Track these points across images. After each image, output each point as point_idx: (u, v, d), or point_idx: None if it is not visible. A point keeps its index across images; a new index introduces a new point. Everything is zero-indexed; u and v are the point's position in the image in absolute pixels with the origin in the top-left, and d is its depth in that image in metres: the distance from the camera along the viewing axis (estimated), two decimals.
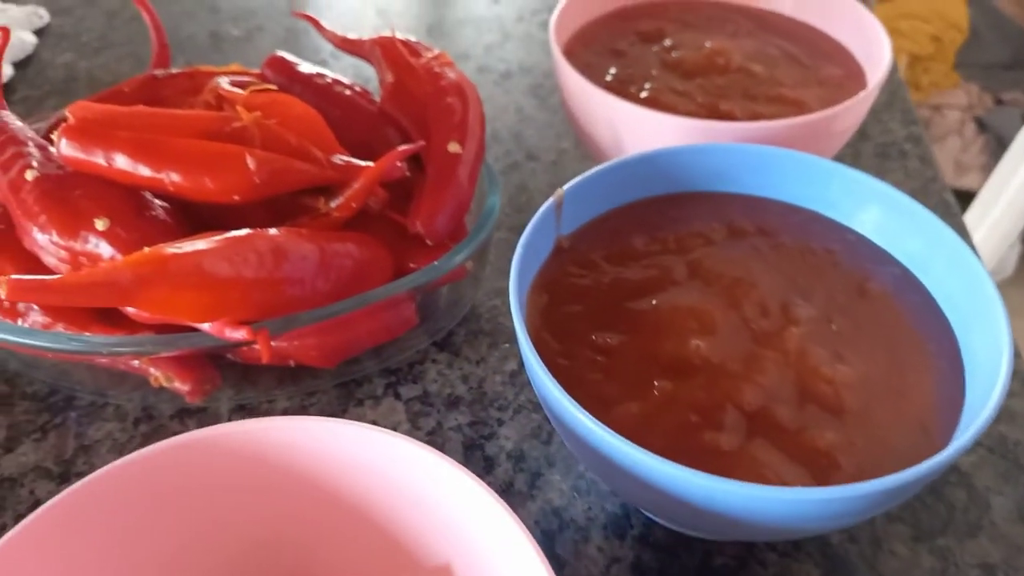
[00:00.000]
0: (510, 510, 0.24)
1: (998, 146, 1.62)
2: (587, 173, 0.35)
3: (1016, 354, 0.41)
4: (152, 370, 0.37)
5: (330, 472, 0.27)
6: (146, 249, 0.30)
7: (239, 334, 0.32)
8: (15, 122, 0.39)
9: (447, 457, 0.26)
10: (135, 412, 0.40)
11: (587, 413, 0.26)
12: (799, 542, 0.34)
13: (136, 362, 0.37)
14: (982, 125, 1.73)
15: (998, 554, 0.34)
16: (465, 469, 0.25)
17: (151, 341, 0.34)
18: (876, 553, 0.34)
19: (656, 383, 0.30)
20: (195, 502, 0.27)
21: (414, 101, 0.41)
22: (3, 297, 0.28)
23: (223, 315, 0.32)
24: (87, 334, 0.34)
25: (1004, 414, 0.39)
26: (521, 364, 0.42)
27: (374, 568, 0.29)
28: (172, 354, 0.34)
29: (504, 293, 0.46)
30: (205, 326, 0.33)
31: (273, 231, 0.33)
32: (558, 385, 0.27)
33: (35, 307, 0.35)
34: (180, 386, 0.37)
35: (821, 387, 0.29)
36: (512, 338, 0.43)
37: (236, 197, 0.34)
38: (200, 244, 0.31)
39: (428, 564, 0.28)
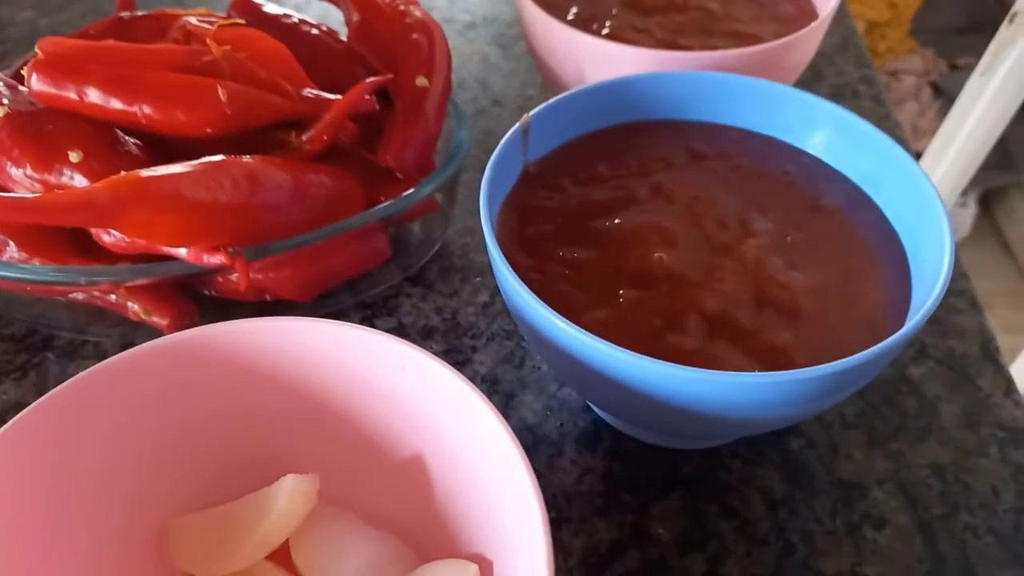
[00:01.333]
0: (483, 395, 0.25)
1: None
2: (552, 100, 0.36)
3: (965, 275, 0.43)
4: (131, 305, 0.38)
5: (304, 369, 0.28)
6: (123, 173, 0.31)
7: (216, 259, 0.33)
8: None
9: (418, 347, 0.27)
10: (114, 349, 0.40)
11: (559, 315, 0.27)
12: (761, 449, 0.36)
13: (114, 297, 0.38)
14: (938, 90, 1.77)
15: (947, 456, 0.36)
16: (437, 358, 0.26)
17: (128, 269, 0.34)
18: (834, 458, 0.36)
19: (622, 292, 0.31)
20: (177, 401, 0.28)
21: (380, 39, 0.42)
22: None
23: (200, 240, 0.33)
24: (66, 265, 0.34)
25: (952, 329, 0.41)
26: (493, 295, 0.43)
27: (349, 461, 0.30)
28: (149, 281, 0.35)
29: (474, 232, 0.47)
30: (182, 252, 0.33)
31: (247, 158, 0.34)
32: (530, 292, 0.28)
33: (12, 243, 0.36)
34: (158, 320, 0.38)
35: (777, 292, 0.31)
36: (483, 272, 0.44)
37: (208, 129, 0.35)
38: (177, 168, 0.31)
39: (399, 457, 0.29)
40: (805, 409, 0.29)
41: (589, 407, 0.38)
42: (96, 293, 0.39)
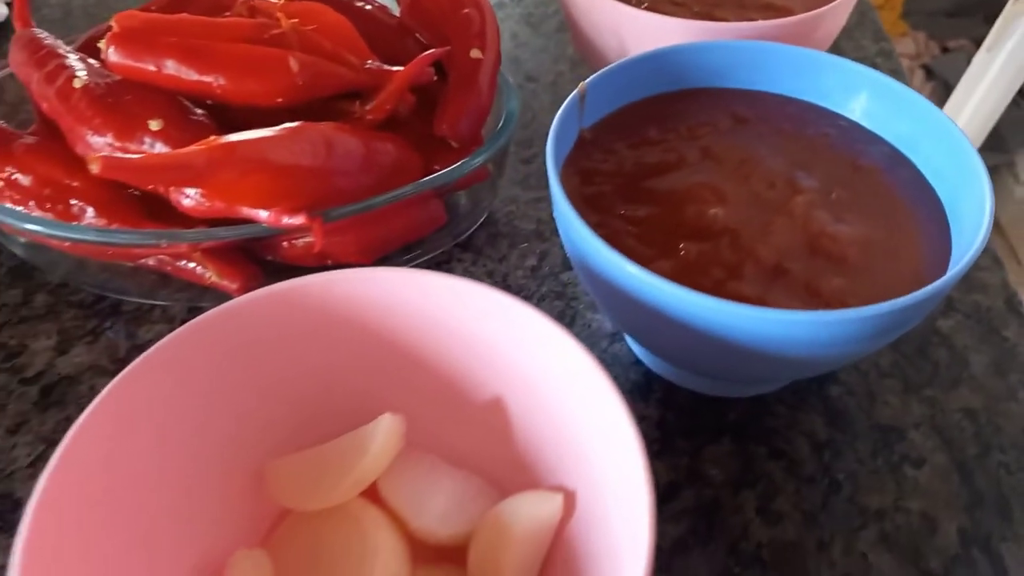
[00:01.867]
0: (569, 333, 0.27)
1: (945, 92, 1.69)
2: (606, 69, 0.38)
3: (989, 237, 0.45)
4: (199, 270, 0.40)
5: (391, 319, 0.30)
6: (213, 138, 0.32)
7: (296, 220, 0.35)
8: (50, 38, 0.41)
9: (505, 292, 0.29)
10: (181, 313, 0.42)
11: (632, 262, 0.29)
12: (804, 396, 0.38)
13: (184, 263, 0.40)
14: (930, 72, 1.80)
15: (978, 401, 0.38)
16: (523, 302, 0.28)
17: (208, 232, 0.36)
18: (872, 404, 0.38)
19: (682, 245, 0.33)
20: (274, 348, 0.30)
21: (431, 14, 0.44)
22: (96, 172, 0.30)
23: (280, 202, 0.34)
24: (151, 229, 0.36)
25: (977, 285, 0.43)
26: (541, 259, 0.45)
27: (431, 407, 0.32)
28: (223, 244, 0.37)
29: (518, 200, 0.49)
30: (263, 214, 0.35)
31: (322, 125, 0.35)
32: (602, 242, 0.30)
33: (91, 209, 0.37)
34: (228, 284, 0.39)
35: (826, 244, 0.33)
36: (529, 238, 0.46)
37: (279, 99, 0.37)
38: (262, 133, 0.33)
39: (479, 400, 0.31)
40: (855, 349, 0.31)
41: (639, 361, 0.40)
42: (165, 259, 0.40)
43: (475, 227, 0.46)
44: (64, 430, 0.24)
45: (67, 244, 0.38)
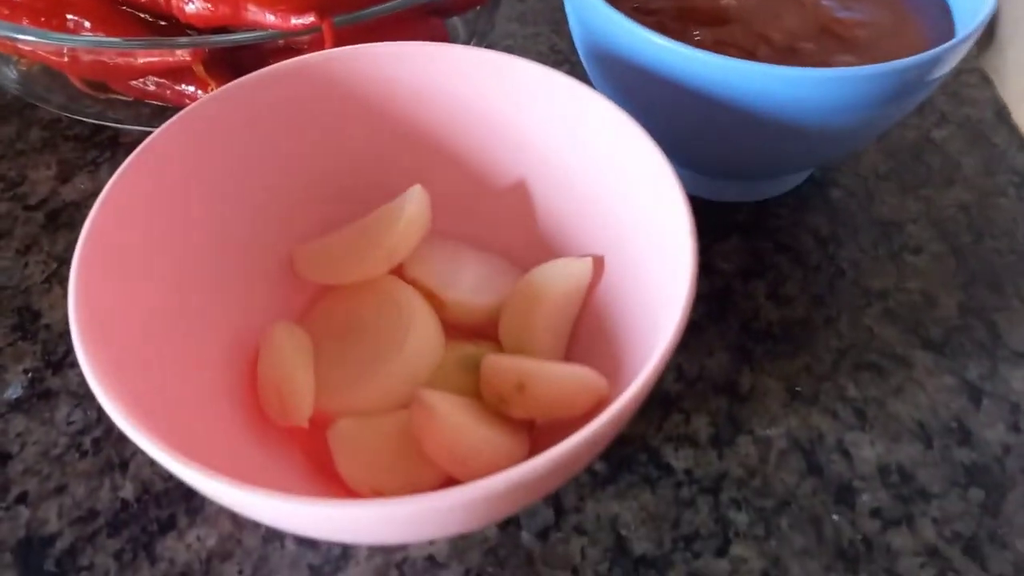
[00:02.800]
0: (600, 94, 0.28)
1: None
2: None
3: (975, 56, 0.46)
4: (200, 93, 0.39)
5: (415, 97, 0.30)
6: None
7: (306, 19, 0.34)
8: None
9: (539, 63, 0.29)
10: None
11: (659, 34, 0.30)
12: (805, 199, 0.39)
13: (184, 86, 0.39)
14: None
15: (970, 197, 0.40)
16: (558, 71, 0.29)
17: (209, 39, 0.35)
18: (871, 202, 0.40)
19: (696, 32, 0.33)
20: (298, 125, 0.30)
21: None
22: None
23: (287, 1, 0.34)
24: (155, 37, 0.35)
25: (968, 100, 0.45)
26: None
27: (455, 190, 0.32)
28: (234, 49, 0.36)
29: (515, 35, 0.48)
30: (270, 17, 0.34)
31: None
32: (628, 18, 0.30)
33: (87, 23, 0.36)
34: None
35: (835, 27, 0.34)
36: None
37: None
38: None
39: (502, 183, 0.32)
40: (864, 117, 0.32)
41: None
42: (164, 82, 0.40)
43: None
44: (75, 248, 0.24)
45: (64, 61, 0.37)
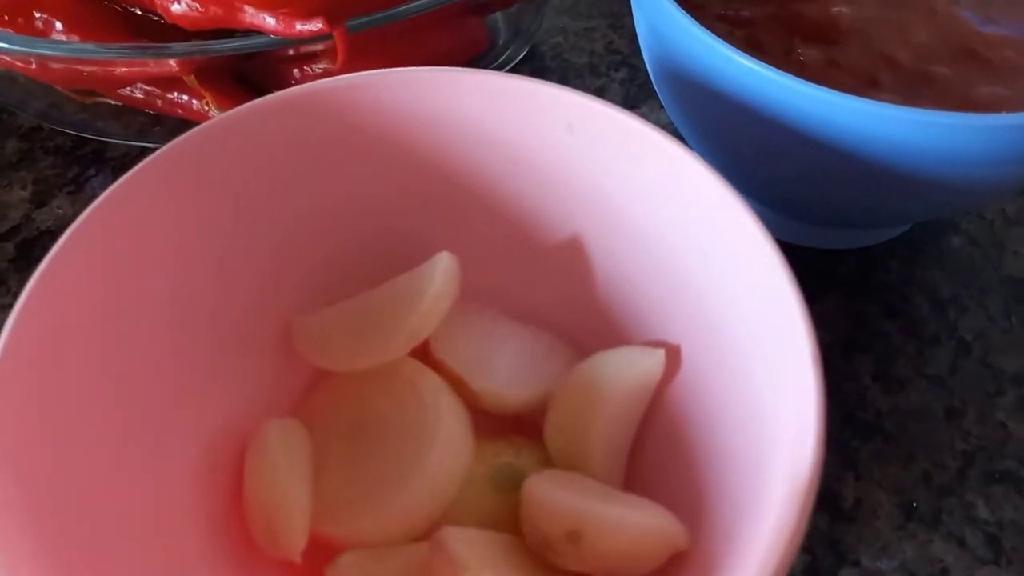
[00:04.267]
0: (687, 148, 0.21)
1: None
2: None
3: None
4: (194, 103, 0.33)
5: (442, 136, 0.24)
6: None
7: (312, 26, 0.28)
8: None
9: (599, 99, 0.22)
10: None
11: (761, 62, 0.23)
12: (919, 248, 0.32)
13: (176, 95, 0.33)
14: None
15: None
16: (625, 110, 0.22)
17: (201, 47, 0.29)
18: (1000, 255, 0.32)
19: (800, 50, 0.26)
20: (301, 168, 0.24)
21: None
22: None
23: (291, 3, 0.28)
24: (137, 44, 0.29)
25: None
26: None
27: (490, 250, 0.26)
28: (229, 59, 0.30)
29: (566, 31, 0.42)
30: (271, 21, 0.28)
31: None
32: (717, 37, 0.23)
33: (58, 23, 0.30)
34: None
35: (978, 45, 0.27)
36: (582, 73, 0.39)
37: None
38: None
39: (551, 241, 0.25)
40: (1011, 172, 0.25)
41: None
42: (154, 90, 0.34)
43: (517, 60, 0.39)
44: None
45: (32, 68, 0.31)
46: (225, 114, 0.22)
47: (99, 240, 0.21)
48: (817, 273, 0.32)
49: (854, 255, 0.32)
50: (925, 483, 0.26)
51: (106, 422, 0.20)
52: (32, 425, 0.19)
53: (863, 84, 0.26)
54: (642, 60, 0.40)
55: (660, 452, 0.23)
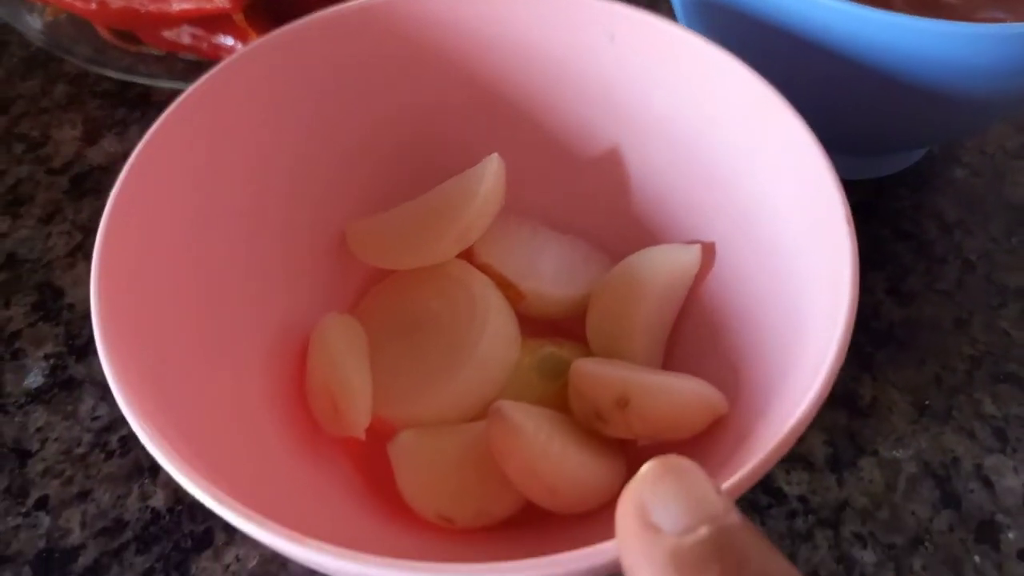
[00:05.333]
0: (728, 52, 0.23)
1: None
2: None
3: None
4: (239, 46, 0.35)
5: (484, 50, 0.26)
6: None
7: None
8: None
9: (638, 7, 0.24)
10: None
11: None
12: (926, 179, 0.34)
13: (222, 38, 0.35)
14: None
15: None
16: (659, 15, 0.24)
17: None
18: (1001, 183, 0.34)
19: None
20: (353, 83, 0.26)
21: None
22: None
23: None
24: None
25: None
26: None
27: (531, 161, 0.27)
28: None
29: None
30: None
31: None
32: None
33: None
34: None
35: None
36: None
37: None
38: None
39: (589, 152, 0.27)
40: (1018, 83, 0.27)
41: None
42: (201, 33, 0.35)
43: None
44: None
45: (92, 8, 0.33)
46: (267, 36, 0.24)
47: (180, 143, 0.22)
48: None
49: (868, 185, 0.34)
50: (936, 384, 0.28)
51: (191, 307, 0.22)
52: (134, 303, 0.20)
53: (878, 6, 0.27)
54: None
55: (699, 340, 0.25)
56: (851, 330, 0.17)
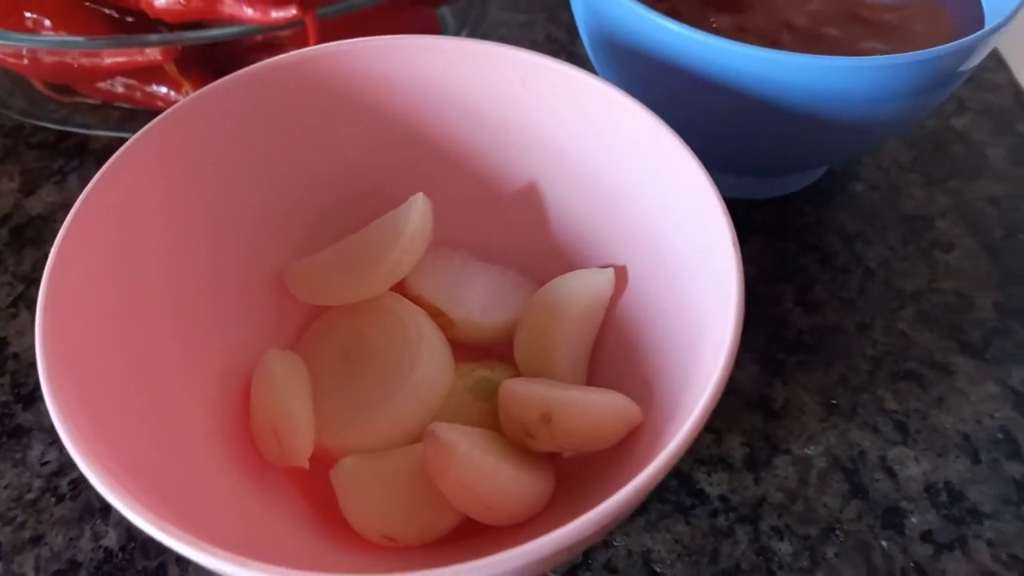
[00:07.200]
0: (628, 95, 0.25)
1: None
2: None
3: None
4: (173, 95, 0.36)
5: (410, 96, 0.27)
6: None
7: (287, 12, 0.31)
8: None
9: (545, 55, 0.26)
10: None
11: (680, 23, 0.27)
12: (828, 195, 0.37)
13: (156, 87, 0.36)
14: None
15: (999, 189, 0.38)
16: (569, 64, 0.26)
17: (182, 36, 0.32)
18: (897, 196, 0.37)
19: (713, 19, 0.31)
20: (286, 129, 0.27)
21: None
22: None
23: None
24: (122, 35, 0.32)
25: (987, 85, 0.42)
26: None
27: (457, 199, 0.29)
28: (209, 47, 0.33)
29: (510, 23, 0.46)
30: (248, 11, 0.32)
31: None
32: (651, 9, 0.28)
33: (47, 21, 0.33)
34: None
35: (863, 12, 0.31)
36: None
37: None
38: None
39: (510, 188, 0.29)
40: (891, 109, 0.29)
41: None
42: (134, 83, 0.37)
43: None
44: (44, 267, 0.21)
45: (24, 64, 0.34)
46: (207, 87, 0.25)
47: (123, 190, 0.23)
48: (741, 220, 0.36)
49: (773, 203, 0.37)
50: (843, 384, 0.31)
51: (135, 350, 0.23)
52: (79, 348, 0.21)
53: (767, 44, 0.30)
54: (579, 47, 0.44)
55: (615, 355, 0.27)
56: (737, 343, 0.19)
